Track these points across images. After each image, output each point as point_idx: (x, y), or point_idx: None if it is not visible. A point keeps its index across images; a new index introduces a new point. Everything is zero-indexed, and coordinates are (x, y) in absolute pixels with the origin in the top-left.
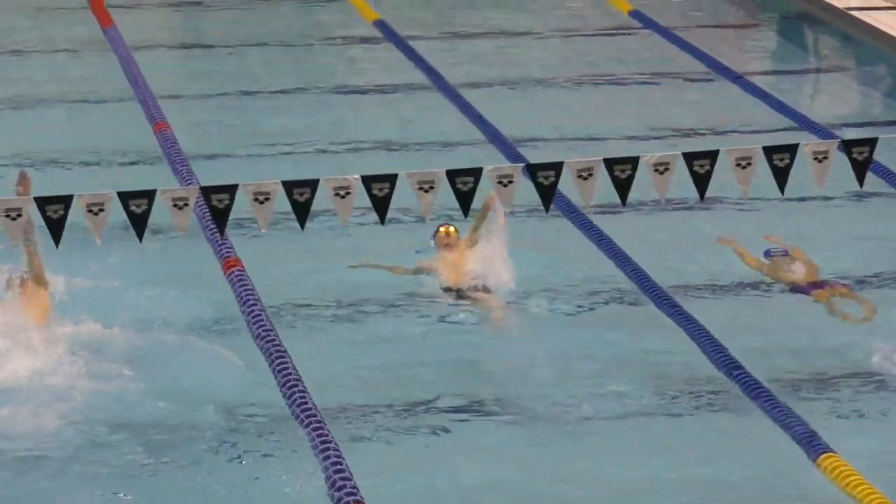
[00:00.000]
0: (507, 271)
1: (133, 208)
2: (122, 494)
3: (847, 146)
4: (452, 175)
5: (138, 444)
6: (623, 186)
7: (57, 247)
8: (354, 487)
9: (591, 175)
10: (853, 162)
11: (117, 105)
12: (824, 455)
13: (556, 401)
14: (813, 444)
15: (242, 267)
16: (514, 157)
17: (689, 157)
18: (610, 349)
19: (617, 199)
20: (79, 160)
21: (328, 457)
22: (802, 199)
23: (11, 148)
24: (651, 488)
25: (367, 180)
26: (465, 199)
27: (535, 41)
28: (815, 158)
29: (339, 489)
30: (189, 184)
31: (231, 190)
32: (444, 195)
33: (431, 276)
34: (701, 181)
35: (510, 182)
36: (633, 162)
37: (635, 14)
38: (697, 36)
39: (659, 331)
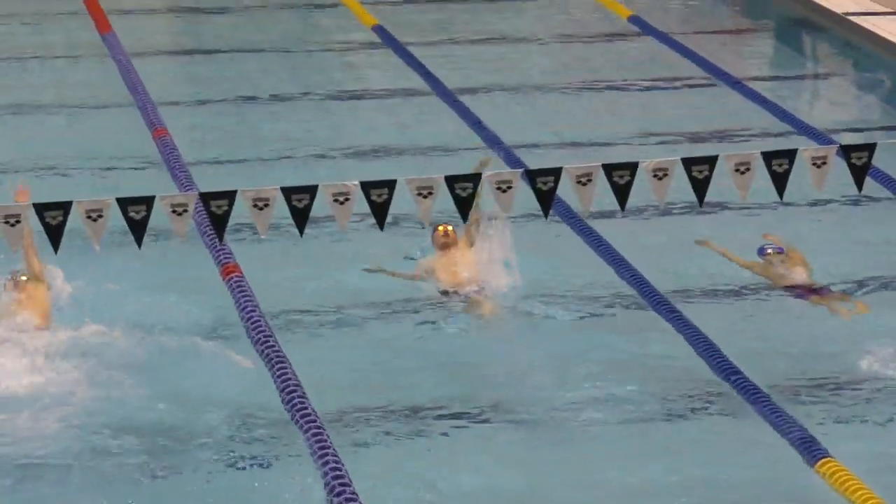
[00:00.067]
0: (509, 275)
1: (132, 214)
2: (122, 500)
3: (846, 151)
4: (451, 181)
5: (138, 449)
6: (622, 192)
7: (56, 253)
8: (354, 493)
9: (589, 181)
10: (852, 167)
11: (116, 111)
12: (823, 460)
13: (556, 405)
14: (811, 450)
15: (241, 273)
16: (514, 162)
17: (688, 163)
18: (609, 353)
19: (616, 204)
20: (78, 166)
21: (327, 462)
22: (800, 205)
23: (10, 154)
24: (650, 492)
25: (366, 186)
26: (464, 205)
27: (534, 46)
28: (814, 164)
29: (339, 494)
30: (188, 190)
31: (230, 196)
32: (443, 201)
33: (430, 279)
34: (700, 187)
35: (509, 188)
36: (632, 168)
37: (634, 19)
38: (697, 41)
39: (658, 335)
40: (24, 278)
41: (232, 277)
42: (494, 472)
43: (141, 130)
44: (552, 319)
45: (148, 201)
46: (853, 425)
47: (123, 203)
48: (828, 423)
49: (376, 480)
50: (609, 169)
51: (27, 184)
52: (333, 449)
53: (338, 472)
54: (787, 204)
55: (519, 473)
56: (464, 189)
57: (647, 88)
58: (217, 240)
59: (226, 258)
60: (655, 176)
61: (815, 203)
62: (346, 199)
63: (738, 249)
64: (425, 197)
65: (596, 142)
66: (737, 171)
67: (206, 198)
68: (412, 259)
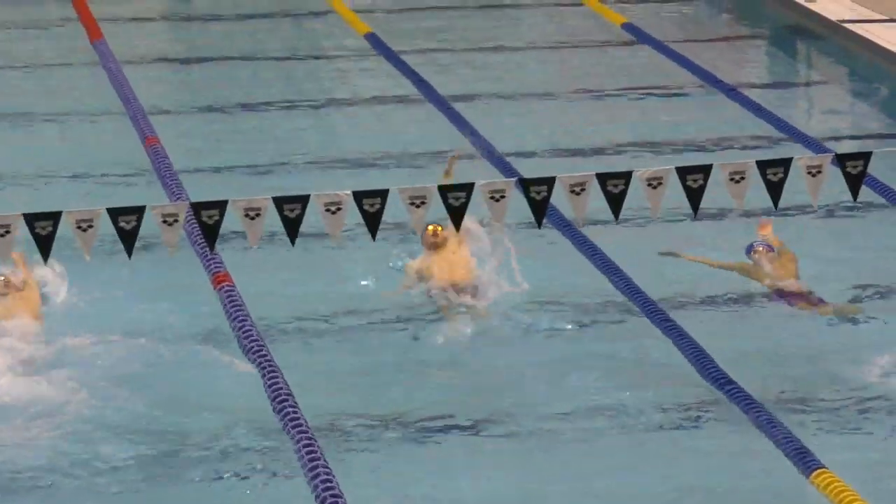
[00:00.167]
0: (504, 281)
1: (122, 224)
2: None
3: (841, 160)
4: (444, 190)
5: (131, 456)
6: (616, 201)
7: (45, 263)
8: None
9: (583, 190)
10: (847, 176)
11: (107, 119)
12: (818, 471)
13: (550, 413)
14: (806, 461)
15: (232, 282)
16: (507, 170)
17: (683, 172)
18: (604, 361)
19: (609, 212)
20: (68, 175)
21: (318, 475)
22: (795, 213)
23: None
24: (644, 501)
25: (359, 196)
26: (457, 215)
27: (528, 54)
28: (809, 172)
29: None
30: (179, 199)
31: (221, 206)
32: (437, 209)
33: (423, 280)
34: (694, 196)
35: (502, 197)
36: (626, 177)
37: (628, 27)
38: (691, 49)
39: (652, 343)
40: (11, 278)
41: (223, 286)
42: (488, 481)
43: (132, 139)
44: (546, 327)
45: (138, 211)
46: (847, 435)
47: (114, 213)
48: (822, 433)
49: (369, 489)
50: (603, 178)
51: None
52: (324, 460)
53: (329, 485)
54: (785, 211)
55: (513, 482)
56: (457, 199)
57: (641, 96)
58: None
59: (216, 267)
60: (650, 185)
61: (808, 210)
62: (339, 209)
63: (727, 254)
64: (418, 206)
65: (590, 150)
66: (731, 179)
67: (197, 208)
68: (396, 269)
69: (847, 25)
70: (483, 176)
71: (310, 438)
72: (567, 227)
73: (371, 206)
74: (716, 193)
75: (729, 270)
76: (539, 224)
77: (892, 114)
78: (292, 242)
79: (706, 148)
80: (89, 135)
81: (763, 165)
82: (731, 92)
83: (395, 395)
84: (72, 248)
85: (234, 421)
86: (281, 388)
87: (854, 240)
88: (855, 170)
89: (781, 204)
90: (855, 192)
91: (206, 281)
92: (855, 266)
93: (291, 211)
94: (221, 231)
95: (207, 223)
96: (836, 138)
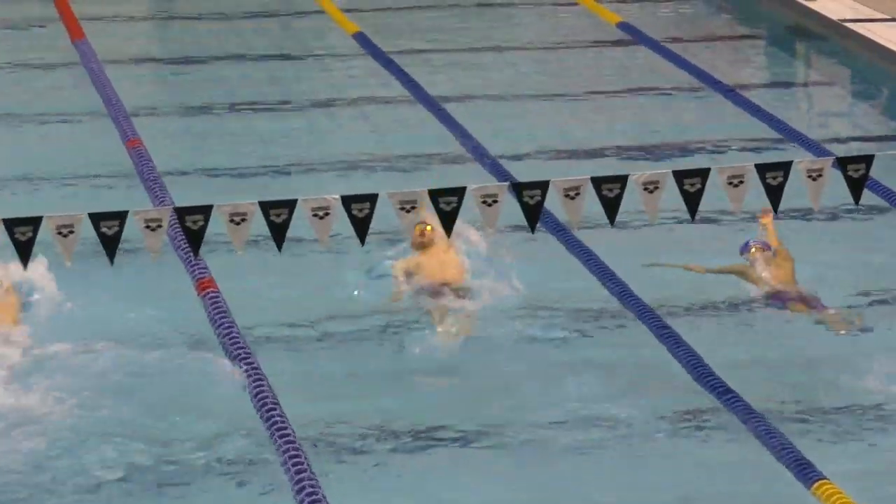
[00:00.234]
0: (496, 286)
1: (104, 230)
2: None
3: (842, 164)
4: (435, 195)
5: (116, 466)
6: (611, 206)
7: (25, 269)
8: None
9: (578, 194)
10: (848, 179)
11: (89, 120)
12: (819, 482)
13: (544, 422)
14: (806, 472)
15: (217, 288)
16: (499, 173)
17: (680, 176)
18: (598, 369)
19: (605, 216)
20: (48, 178)
21: (303, 488)
22: (794, 216)
23: None
24: None
25: (347, 200)
26: (448, 220)
27: (521, 53)
28: (810, 176)
29: None
30: (163, 202)
31: (206, 211)
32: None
33: (413, 280)
34: (692, 200)
35: (495, 202)
36: (622, 181)
37: (624, 26)
38: (688, 48)
39: (649, 350)
40: None
41: (207, 293)
42: (480, 494)
43: (114, 141)
44: (540, 333)
45: (121, 216)
46: (849, 444)
47: (95, 218)
48: (824, 442)
49: (355, 501)
50: (598, 182)
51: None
52: (311, 472)
53: (314, 498)
54: (783, 213)
55: (505, 495)
56: (448, 203)
57: (637, 98)
58: (192, 255)
59: (201, 273)
60: (646, 189)
61: (809, 213)
62: (327, 214)
63: (725, 259)
64: (408, 211)
65: (584, 152)
66: (730, 183)
67: (181, 213)
68: (375, 278)
69: (848, 25)
70: (475, 180)
71: (297, 449)
72: (561, 232)
73: (360, 211)
74: (714, 196)
75: (721, 274)
76: (533, 229)
77: (895, 115)
78: (279, 248)
79: (704, 151)
80: (70, 137)
81: (762, 169)
82: (730, 93)
83: (384, 405)
84: (53, 253)
85: (221, 431)
86: (267, 398)
87: (856, 244)
88: (857, 173)
89: (781, 207)
90: (857, 197)
91: (192, 286)
92: (857, 271)
93: (278, 216)
94: (206, 236)
95: (192, 228)
96: (837, 140)
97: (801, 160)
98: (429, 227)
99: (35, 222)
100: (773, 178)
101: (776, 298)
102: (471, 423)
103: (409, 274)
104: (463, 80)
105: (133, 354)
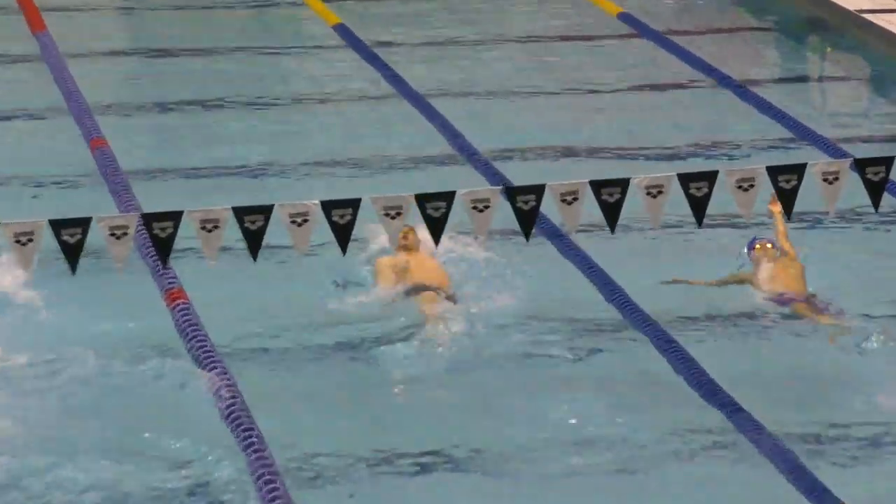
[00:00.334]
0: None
1: (66, 238)
2: None
3: (860, 166)
4: (422, 199)
5: (86, 487)
6: (612, 211)
7: None
8: None
9: (575, 199)
10: (867, 183)
11: (50, 118)
12: None
13: (538, 442)
14: (822, 499)
15: (187, 299)
16: (491, 175)
17: (685, 179)
18: (597, 384)
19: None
20: (5, 181)
21: None
22: (808, 220)
23: None
24: None
25: (327, 206)
26: (436, 227)
27: (515, 46)
28: (825, 180)
29: None
30: (129, 206)
31: (175, 217)
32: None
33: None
34: (698, 205)
35: (486, 207)
36: (623, 185)
37: (625, 17)
38: (694, 41)
39: (651, 364)
40: None
41: (177, 304)
42: None
43: (76, 140)
44: (534, 345)
45: (83, 223)
46: (866, 467)
47: (56, 225)
48: (838, 466)
49: None
50: (597, 186)
51: None
52: (286, 493)
53: None
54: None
55: None
56: (436, 209)
57: (639, 94)
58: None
59: (170, 283)
60: (649, 193)
61: (824, 219)
62: (305, 221)
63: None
64: (393, 218)
65: (582, 151)
66: (739, 187)
67: (148, 219)
68: (338, 286)
69: (865, 16)
70: (465, 183)
71: (273, 474)
72: (558, 238)
73: (341, 218)
74: (722, 200)
75: (730, 283)
76: (527, 237)
77: None
78: (254, 257)
79: (711, 151)
80: (30, 135)
81: (774, 172)
82: (739, 89)
83: (366, 420)
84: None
85: (195, 449)
86: (242, 418)
87: (875, 252)
88: (876, 176)
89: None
90: (876, 202)
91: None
92: (875, 281)
93: (253, 223)
94: (176, 241)
95: (160, 236)
96: (855, 140)
97: (816, 162)
98: (411, 231)
99: None
100: (786, 181)
101: (779, 299)
102: (459, 441)
103: (396, 269)
104: (452, 75)
105: (102, 368)
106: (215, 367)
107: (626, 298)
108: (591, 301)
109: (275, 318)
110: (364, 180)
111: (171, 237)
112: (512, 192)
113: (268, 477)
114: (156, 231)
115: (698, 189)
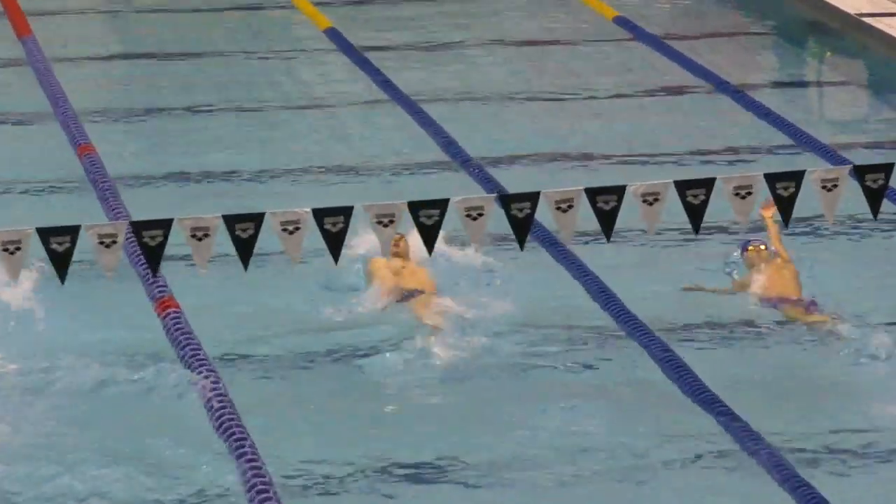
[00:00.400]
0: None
1: (54, 246)
2: None
3: (860, 172)
4: (415, 207)
5: (83, 497)
6: (607, 219)
7: None
8: None
9: (570, 207)
10: (867, 190)
11: (36, 123)
12: None
13: (532, 453)
14: None
15: (178, 307)
16: (485, 182)
17: (682, 187)
18: (593, 393)
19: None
20: None
21: None
22: (804, 227)
23: None
24: None
25: (319, 214)
26: (429, 235)
27: (509, 50)
28: (824, 187)
29: None
30: (118, 214)
31: (165, 226)
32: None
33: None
34: (695, 213)
35: (480, 215)
36: (619, 192)
37: (621, 21)
38: (692, 46)
39: (647, 373)
40: None
41: (168, 313)
42: None
43: (63, 146)
44: (529, 354)
45: (72, 232)
46: (865, 477)
47: (45, 234)
48: (836, 476)
49: None
50: (593, 193)
51: None
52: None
53: None
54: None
55: None
56: (429, 217)
57: (636, 99)
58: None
59: (160, 292)
60: (645, 201)
61: (824, 228)
62: (297, 229)
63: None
64: (386, 226)
65: (578, 157)
66: (736, 195)
67: (137, 228)
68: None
69: (865, 19)
70: (458, 190)
71: (265, 483)
72: (553, 246)
73: (333, 226)
74: (719, 207)
75: (725, 294)
76: (522, 245)
77: None
78: (245, 266)
79: (708, 158)
80: (16, 141)
81: (772, 179)
82: (736, 94)
83: (359, 430)
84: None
85: (191, 456)
86: (235, 428)
87: (874, 260)
88: (875, 183)
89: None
90: (875, 209)
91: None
92: (875, 290)
93: (244, 231)
94: (167, 248)
95: (150, 245)
96: (855, 146)
97: (815, 169)
98: (402, 239)
99: None
100: (784, 188)
101: (770, 301)
102: (453, 449)
103: (393, 270)
104: (445, 80)
105: (94, 377)
106: (208, 376)
107: (621, 306)
108: (585, 308)
109: (267, 325)
110: (355, 186)
111: (162, 245)
112: (506, 200)
113: (260, 486)
114: (145, 239)
115: (695, 196)
